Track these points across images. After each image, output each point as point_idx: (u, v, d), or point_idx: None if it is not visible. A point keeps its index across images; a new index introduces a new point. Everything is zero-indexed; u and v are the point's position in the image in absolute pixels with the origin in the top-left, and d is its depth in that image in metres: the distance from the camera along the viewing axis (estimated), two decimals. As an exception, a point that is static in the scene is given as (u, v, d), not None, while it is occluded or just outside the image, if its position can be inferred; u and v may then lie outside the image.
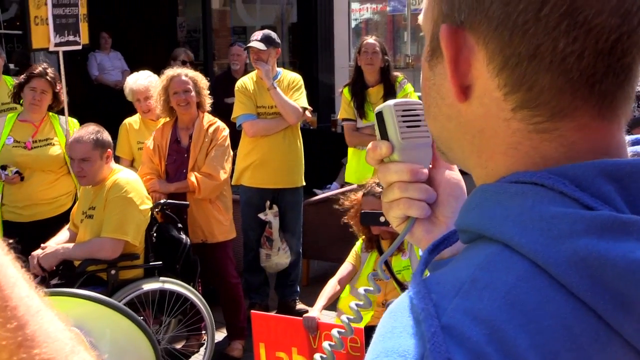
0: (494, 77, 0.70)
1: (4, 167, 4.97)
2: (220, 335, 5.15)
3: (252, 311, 4.27)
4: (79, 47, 5.42)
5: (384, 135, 1.00)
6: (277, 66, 5.70)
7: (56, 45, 5.15)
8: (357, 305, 1.04)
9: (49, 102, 5.13)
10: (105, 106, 9.15)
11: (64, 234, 4.55)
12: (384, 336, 0.66)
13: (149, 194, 4.55)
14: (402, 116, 0.99)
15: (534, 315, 0.61)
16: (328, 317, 4.56)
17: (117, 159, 5.08)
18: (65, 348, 0.68)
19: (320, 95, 10.27)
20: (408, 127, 0.98)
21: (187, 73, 4.97)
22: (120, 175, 4.36)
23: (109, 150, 4.37)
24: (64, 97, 5.20)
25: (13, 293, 0.66)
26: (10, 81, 5.60)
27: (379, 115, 1.01)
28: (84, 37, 5.33)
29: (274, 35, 5.55)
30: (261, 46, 5.38)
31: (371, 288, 1.04)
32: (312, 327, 3.95)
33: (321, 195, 6.78)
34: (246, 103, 5.45)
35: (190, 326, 4.54)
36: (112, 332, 3.14)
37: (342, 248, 4.64)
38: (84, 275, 4.19)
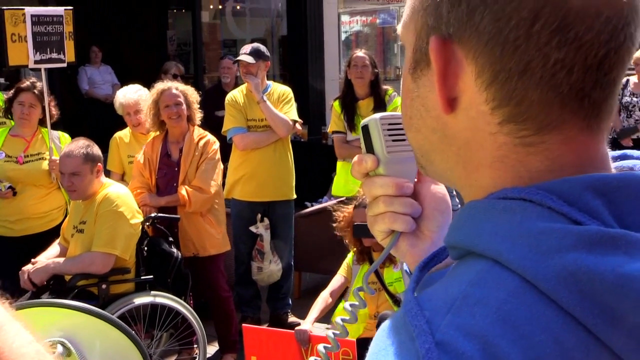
0: (482, 91, 0.71)
1: None
2: (212, 348, 5.13)
3: (243, 324, 4.26)
4: (64, 65, 5.41)
5: (370, 149, 1.00)
6: (268, 79, 5.71)
7: (37, 62, 5.13)
8: (342, 320, 1.04)
9: (38, 116, 5.13)
10: (95, 120, 9.15)
11: (54, 248, 4.54)
12: (378, 354, 0.67)
13: (139, 207, 4.54)
14: (388, 130, 0.98)
15: (526, 330, 0.62)
16: (320, 329, 4.55)
17: (108, 173, 5.07)
18: None
19: (311, 107, 10.29)
20: (394, 140, 0.98)
21: (177, 86, 4.98)
22: (111, 189, 4.35)
23: (99, 164, 4.37)
24: (54, 111, 5.18)
25: None
26: (1, 97, 5.60)
27: (365, 129, 1.00)
28: (69, 55, 5.32)
29: (263, 48, 5.56)
30: (250, 59, 5.39)
31: (357, 303, 1.04)
32: (304, 339, 3.94)
33: (312, 207, 6.78)
34: (236, 116, 5.45)
35: (182, 340, 4.52)
36: (102, 343, 3.14)
37: (333, 260, 4.65)
38: (74, 289, 4.17)
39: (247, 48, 5.52)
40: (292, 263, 5.85)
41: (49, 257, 4.41)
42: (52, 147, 5.07)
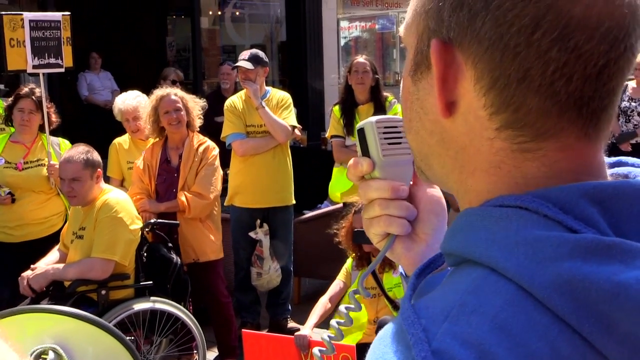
0: (481, 97, 0.71)
1: None
2: (212, 354, 5.13)
3: (243, 330, 4.26)
4: (62, 70, 5.42)
5: (365, 152, 1.00)
6: (267, 85, 5.72)
7: (35, 67, 5.15)
8: (337, 323, 1.04)
9: (38, 122, 5.14)
10: (95, 126, 9.16)
11: (54, 254, 4.54)
12: None
13: (139, 213, 4.55)
14: (384, 133, 0.98)
15: (522, 338, 0.62)
16: (319, 335, 4.55)
17: (107, 179, 5.08)
18: None
19: (310, 113, 10.29)
20: (389, 144, 0.98)
21: (176, 92, 4.98)
22: (110, 195, 4.36)
23: (99, 170, 4.37)
24: (54, 118, 5.19)
25: None
26: (1, 103, 5.61)
27: (361, 132, 1.01)
28: (67, 60, 5.33)
29: (261, 54, 5.57)
30: (249, 65, 5.40)
31: (352, 306, 1.04)
32: (304, 345, 3.94)
33: (311, 213, 6.79)
34: (235, 122, 5.46)
35: (182, 346, 4.52)
36: (95, 349, 3.13)
37: (333, 266, 4.65)
38: (74, 295, 4.17)
39: (245, 54, 5.52)
40: (292, 268, 5.85)
41: (48, 263, 4.42)
42: (51, 152, 5.08)
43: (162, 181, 4.95)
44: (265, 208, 5.56)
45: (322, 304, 4.27)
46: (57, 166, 4.86)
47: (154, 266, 4.51)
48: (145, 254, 4.51)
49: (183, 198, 4.80)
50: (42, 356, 2.79)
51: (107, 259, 4.20)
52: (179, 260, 4.59)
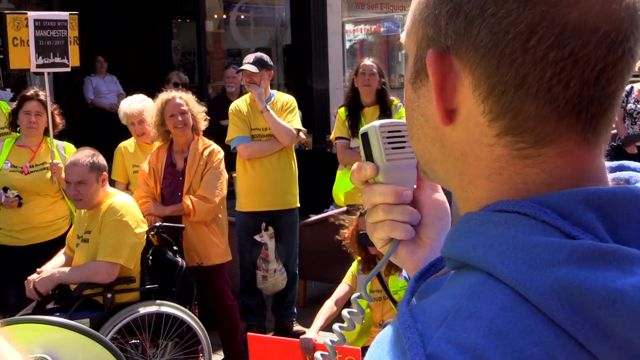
0: (480, 104, 0.71)
1: (5, 190, 5.00)
2: (217, 357, 5.13)
3: (248, 333, 4.26)
4: (67, 69, 5.41)
5: (369, 157, 1.00)
6: (272, 88, 5.74)
7: (39, 66, 5.14)
8: (340, 327, 1.04)
9: (45, 124, 5.15)
10: (101, 130, 9.17)
11: (59, 257, 4.55)
12: None
13: (144, 217, 4.55)
14: (387, 137, 0.98)
15: (518, 343, 0.62)
16: (325, 338, 4.55)
17: (113, 183, 5.09)
18: None
19: (315, 116, 10.30)
20: (393, 148, 0.98)
21: (181, 95, 4.99)
22: (116, 198, 4.37)
23: (104, 173, 4.39)
24: (58, 120, 5.20)
25: None
26: (6, 107, 5.62)
27: (364, 136, 1.00)
28: (74, 60, 5.32)
29: (266, 57, 5.58)
30: (253, 69, 5.41)
31: (355, 310, 1.04)
32: (309, 348, 3.94)
33: (317, 216, 6.78)
34: (240, 126, 5.47)
35: (187, 349, 4.52)
36: (83, 358, 3.13)
37: (338, 269, 4.64)
38: (80, 299, 4.18)
39: (250, 57, 5.53)
40: (297, 272, 5.85)
41: (54, 266, 4.43)
42: (55, 152, 5.09)
43: (168, 185, 4.96)
44: (270, 211, 5.56)
45: (328, 307, 4.26)
46: (61, 165, 4.88)
47: (160, 269, 4.51)
48: (150, 257, 4.52)
49: (188, 201, 4.80)
50: None
51: (113, 263, 4.21)
52: (184, 263, 4.60)
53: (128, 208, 4.34)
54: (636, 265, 0.63)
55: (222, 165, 4.99)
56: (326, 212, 7.25)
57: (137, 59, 11.64)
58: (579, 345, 0.62)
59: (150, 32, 11.74)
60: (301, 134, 5.77)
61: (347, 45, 12.61)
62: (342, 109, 5.99)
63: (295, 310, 5.80)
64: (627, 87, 7.37)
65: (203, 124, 5.03)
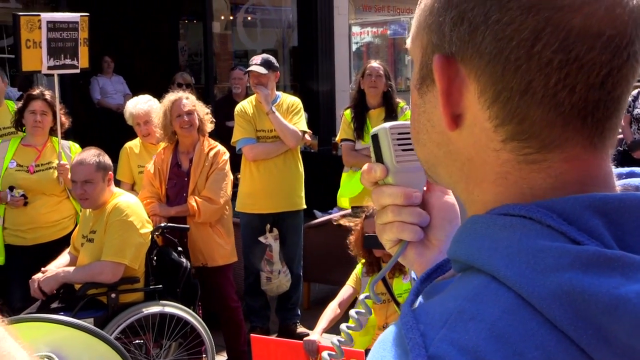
0: (485, 109, 0.71)
1: (11, 189, 5.01)
2: (221, 358, 5.13)
3: (252, 335, 4.26)
4: (77, 71, 5.42)
5: (379, 158, 1.01)
6: (278, 89, 5.73)
7: (50, 68, 5.15)
8: (348, 327, 1.04)
9: (50, 124, 5.16)
10: (107, 130, 9.19)
11: (64, 257, 4.56)
12: None
13: (149, 217, 4.56)
14: (398, 139, 0.99)
15: (519, 347, 0.62)
16: (329, 340, 4.54)
17: (118, 183, 5.09)
18: None
19: (321, 118, 10.30)
20: (403, 150, 0.99)
21: (187, 96, 5.00)
22: (121, 199, 4.37)
23: (110, 173, 4.40)
24: (64, 119, 5.21)
25: None
26: (12, 106, 5.64)
27: (375, 138, 1.01)
28: (83, 61, 5.33)
29: (272, 59, 5.59)
30: (262, 70, 5.41)
31: (363, 310, 1.04)
32: (313, 350, 3.93)
33: (321, 218, 6.79)
34: (246, 127, 5.47)
35: (191, 350, 4.52)
36: (89, 357, 3.13)
37: (342, 271, 4.64)
38: (84, 298, 4.19)
39: (257, 59, 5.54)
40: (301, 273, 5.85)
41: (59, 265, 4.44)
42: (61, 152, 5.10)
43: (173, 185, 4.96)
44: (275, 213, 5.56)
45: (332, 309, 4.26)
46: (68, 166, 4.88)
47: (164, 270, 4.52)
48: (155, 258, 4.52)
49: (193, 202, 4.81)
50: None
51: (117, 263, 4.21)
52: (189, 264, 4.60)
53: (133, 208, 4.34)
54: None
55: (228, 167, 4.99)
56: (330, 213, 7.27)
57: (144, 59, 11.66)
58: (581, 351, 0.62)
59: (157, 32, 11.77)
60: (306, 136, 5.76)
61: (354, 47, 12.60)
62: (348, 111, 6.00)
63: (299, 312, 5.80)
64: (634, 92, 7.35)
65: (209, 126, 5.04)
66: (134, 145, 5.53)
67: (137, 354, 4.28)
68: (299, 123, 5.54)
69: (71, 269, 4.34)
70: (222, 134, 6.19)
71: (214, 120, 5.16)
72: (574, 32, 0.66)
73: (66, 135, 5.28)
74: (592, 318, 0.61)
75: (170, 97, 4.97)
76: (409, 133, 0.98)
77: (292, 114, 5.53)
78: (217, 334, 4.78)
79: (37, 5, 9.62)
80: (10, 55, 9.38)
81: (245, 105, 5.59)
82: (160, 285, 4.41)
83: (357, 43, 12.93)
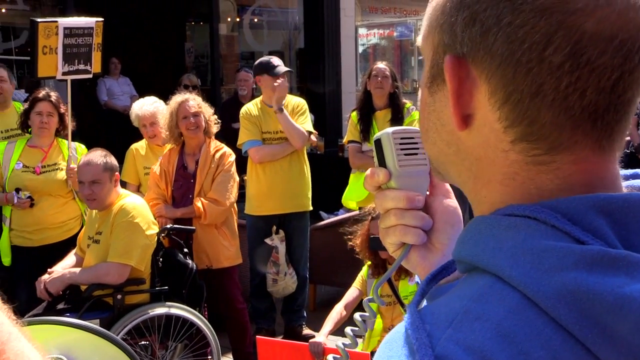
0: (495, 110, 0.71)
1: (18, 191, 5.03)
2: (227, 360, 5.13)
3: (257, 336, 4.25)
4: (89, 76, 5.43)
5: (382, 163, 1.02)
6: (284, 91, 5.74)
7: (64, 73, 5.16)
8: (352, 330, 1.04)
9: (56, 125, 5.17)
10: (113, 131, 9.21)
11: (70, 258, 4.56)
12: None
13: (155, 219, 4.56)
14: (400, 144, 1.00)
15: (525, 346, 0.62)
16: (334, 342, 4.53)
17: (124, 184, 5.10)
18: None
19: (328, 120, 10.31)
20: (406, 154, 1.00)
21: (194, 98, 5.01)
22: (127, 200, 4.38)
23: (117, 173, 4.41)
24: (69, 121, 5.22)
25: None
26: (20, 107, 5.65)
27: (378, 143, 1.02)
28: (95, 66, 5.34)
29: None
30: (289, 68, 5.46)
31: (367, 313, 1.04)
32: (318, 352, 3.93)
33: (328, 220, 6.79)
34: (251, 129, 5.47)
35: (197, 351, 4.52)
36: (99, 359, 3.14)
37: (348, 273, 4.63)
38: (90, 300, 4.19)
39: (276, 60, 5.55)
40: (307, 275, 5.84)
41: (65, 267, 4.44)
42: (71, 157, 5.11)
43: (179, 187, 4.97)
44: (281, 214, 5.56)
45: (337, 312, 4.25)
46: (77, 170, 4.89)
47: (170, 271, 4.52)
48: (161, 259, 4.52)
49: (199, 204, 4.81)
50: None
51: (123, 264, 4.22)
52: (194, 265, 4.60)
53: (139, 210, 4.35)
54: None
55: (234, 168, 5.00)
56: (336, 214, 7.26)
57: (151, 61, 11.69)
58: (586, 350, 0.62)
59: (164, 34, 11.79)
60: (312, 137, 5.76)
61: (360, 49, 12.61)
62: (355, 113, 6.01)
63: (304, 314, 5.80)
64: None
65: (215, 127, 5.05)
66: (139, 146, 5.54)
67: (143, 355, 4.28)
68: (305, 123, 5.54)
69: (77, 270, 4.35)
70: (228, 135, 6.19)
71: (219, 121, 5.16)
72: (586, 35, 0.67)
73: (72, 137, 5.29)
74: (597, 317, 0.62)
75: (177, 98, 4.98)
76: (411, 138, 1.01)
77: (297, 115, 5.53)
78: (222, 335, 4.78)
79: (44, 8, 9.65)
80: (17, 57, 9.42)
81: (251, 108, 5.59)
82: (166, 287, 4.41)
83: (363, 45, 12.94)
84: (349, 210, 6.27)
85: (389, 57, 12.89)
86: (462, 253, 0.74)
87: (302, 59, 11.84)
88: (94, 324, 3.53)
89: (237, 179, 5.07)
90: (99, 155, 4.37)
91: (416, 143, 1.00)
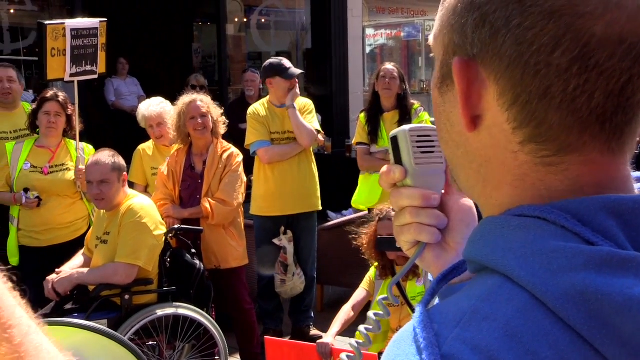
0: (504, 112, 0.72)
1: (26, 191, 5.04)
2: (234, 361, 5.13)
3: (265, 337, 4.25)
4: (95, 76, 5.46)
5: (398, 160, 1.01)
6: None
7: (72, 75, 5.18)
8: (366, 329, 1.04)
9: (64, 126, 5.19)
10: (121, 131, 9.23)
11: (78, 258, 4.57)
12: None
13: (163, 219, 4.56)
14: (417, 142, 1.00)
15: (532, 346, 0.62)
16: (342, 342, 4.53)
17: (131, 185, 5.11)
18: None
19: (335, 120, 10.30)
20: (422, 152, 1.00)
21: (202, 98, 5.01)
22: (135, 200, 4.38)
23: (124, 173, 4.42)
24: (76, 122, 5.23)
25: (14, 315, 0.70)
26: (28, 107, 5.67)
27: (394, 140, 1.02)
28: (101, 67, 5.36)
29: None
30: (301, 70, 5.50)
31: (381, 312, 1.04)
32: (326, 352, 3.92)
33: (335, 220, 6.78)
34: (259, 129, 5.47)
35: (204, 352, 4.53)
36: None
37: (356, 273, 4.63)
38: (98, 300, 4.20)
39: (287, 61, 5.55)
40: (315, 276, 5.84)
41: (73, 267, 4.45)
42: (79, 158, 5.13)
43: (186, 187, 4.97)
44: (289, 215, 5.56)
45: (345, 312, 4.24)
46: (85, 170, 4.91)
47: (178, 272, 4.52)
48: (168, 260, 4.53)
49: (207, 204, 4.81)
50: None
51: (131, 264, 4.22)
52: (202, 266, 4.60)
53: (147, 210, 4.35)
54: None
55: (241, 169, 5.00)
56: (344, 215, 7.26)
57: (158, 61, 11.70)
58: (594, 351, 0.62)
59: (171, 34, 11.81)
60: (319, 136, 5.76)
61: (368, 50, 12.61)
62: (363, 114, 6.01)
63: (312, 315, 5.79)
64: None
65: (222, 128, 5.05)
66: (147, 147, 5.55)
67: (151, 355, 4.29)
68: (312, 123, 5.54)
69: (85, 270, 4.35)
70: (235, 136, 6.19)
71: (227, 121, 5.16)
72: (595, 39, 0.66)
73: (80, 137, 5.30)
74: (606, 318, 0.62)
75: (185, 99, 4.98)
76: (428, 136, 1.01)
77: (305, 114, 5.54)
78: (230, 336, 4.78)
79: (52, 8, 9.67)
80: (26, 58, 9.44)
81: (258, 108, 5.59)
82: (174, 287, 4.42)
83: (370, 45, 12.94)
84: (357, 211, 6.26)
85: (397, 58, 12.89)
86: (472, 253, 0.74)
87: (310, 60, 11.83)
88: (101, 324, 3.53)
89: (245, 179, 5.07)
90: (107, 155, 4.38)
91: (433, 141, 1.00)
